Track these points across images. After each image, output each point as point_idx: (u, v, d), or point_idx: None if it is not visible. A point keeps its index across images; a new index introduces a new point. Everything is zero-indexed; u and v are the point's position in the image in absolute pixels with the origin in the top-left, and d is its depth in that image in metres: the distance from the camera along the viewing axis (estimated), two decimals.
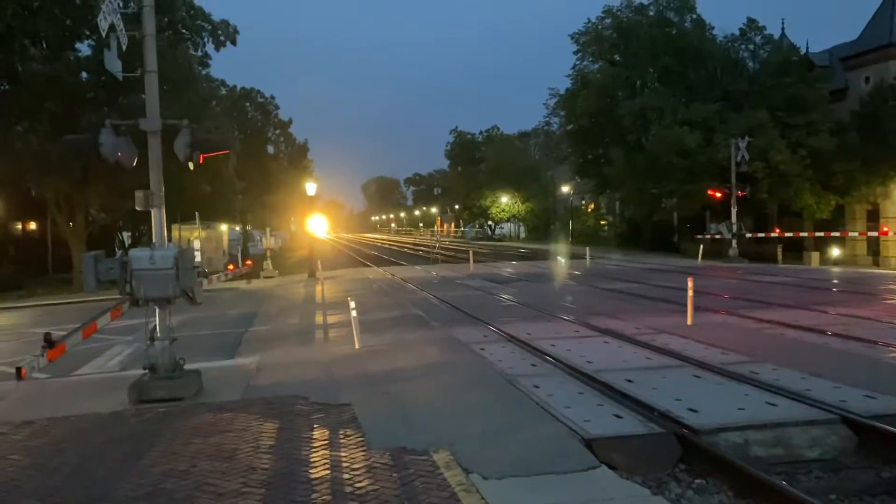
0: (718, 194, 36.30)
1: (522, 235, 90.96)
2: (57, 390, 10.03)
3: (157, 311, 9.03)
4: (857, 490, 5.89)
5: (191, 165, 9.63)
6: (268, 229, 43.71)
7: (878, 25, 41.62)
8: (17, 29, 25.40)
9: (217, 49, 33.04)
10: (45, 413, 8.48)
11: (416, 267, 37.24)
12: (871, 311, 14.85)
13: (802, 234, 37.06)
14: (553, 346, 11.37)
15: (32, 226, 43.10)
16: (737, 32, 46.47)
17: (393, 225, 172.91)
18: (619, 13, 50.84)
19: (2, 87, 29.27)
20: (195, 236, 33.91)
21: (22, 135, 26.97)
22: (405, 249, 68.81)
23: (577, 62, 54.37)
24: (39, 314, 22.53)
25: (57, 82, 26.00)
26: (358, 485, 5.70)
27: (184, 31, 30.93)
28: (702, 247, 36.48)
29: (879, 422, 6.78)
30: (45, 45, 27.48)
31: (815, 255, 36.03)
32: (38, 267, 37.58)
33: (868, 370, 9.14)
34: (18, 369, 9.54)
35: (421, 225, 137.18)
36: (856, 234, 37.83)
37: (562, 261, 37.41)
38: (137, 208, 9.14)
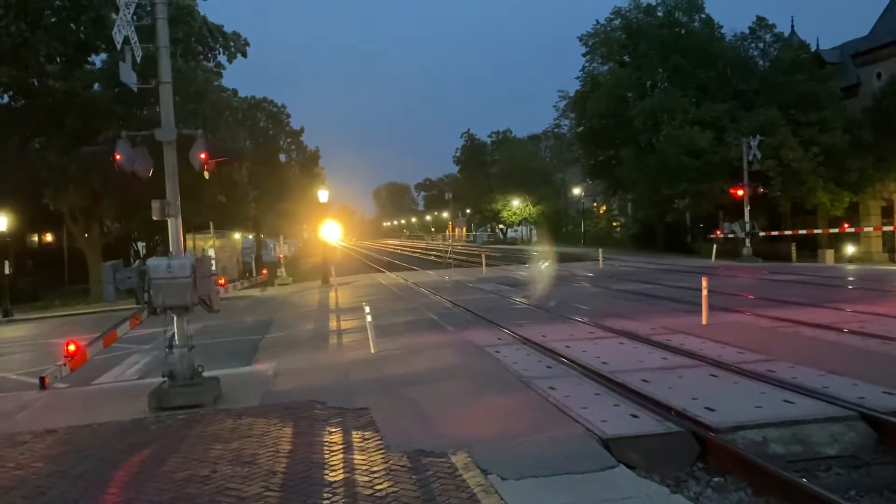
0: (741, 192, 36.01)
1: (535, 238, 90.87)
2: (78, 399, 10.16)
3: (175, 319, 9.13)
4: (877, 486, 5.88)
5: (205, 174, 9.74)
6: (281, 237, 43.96)
7: (890, 20, 41.31)
8: (31, 44, 25.69)
9: (229, 61, 33.33)
10: (68, 421, 8.60)
11: (429, 271, 37.29)
12: (887, 307, 14.75)
13: (816, 232, 36.78)
14: (568, 347, 11.39)
15: (48, 238, 43.57)
16: (745, 31, 46.37)
17: (405, 231, 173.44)
18: (627, 14, 50.80)
19: (18, 103, 29.62)
20: (210, 245, 34.14)
21: (39, 150, 27.28)
22: (417, 254, 68.95)
23: (587, 64, 54.42)
24: (58, 325, 22.77)
25: (74, 97, 26.28)
26: (378, 487, 5.75)
27: (196, 44, 31.20)
28: (715, 246, 36.30)
29: None
30: (59, 60, 27.81)
31: (830, 253, 35.80)
32: (55, 278, 37.98)
33: (886, 367, 9.09)
34: (42, 379, 9.67)
35: (433, 230, 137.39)
36: (870, 229, 37.51)
37: (576, 263, 37.35)
38: (154, 218, 9.25)
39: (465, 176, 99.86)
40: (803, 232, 36.00)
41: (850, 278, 23.60)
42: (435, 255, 59.55)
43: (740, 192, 36.17)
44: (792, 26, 47.57)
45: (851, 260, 35.81)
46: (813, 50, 44.87)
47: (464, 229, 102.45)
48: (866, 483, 5.96)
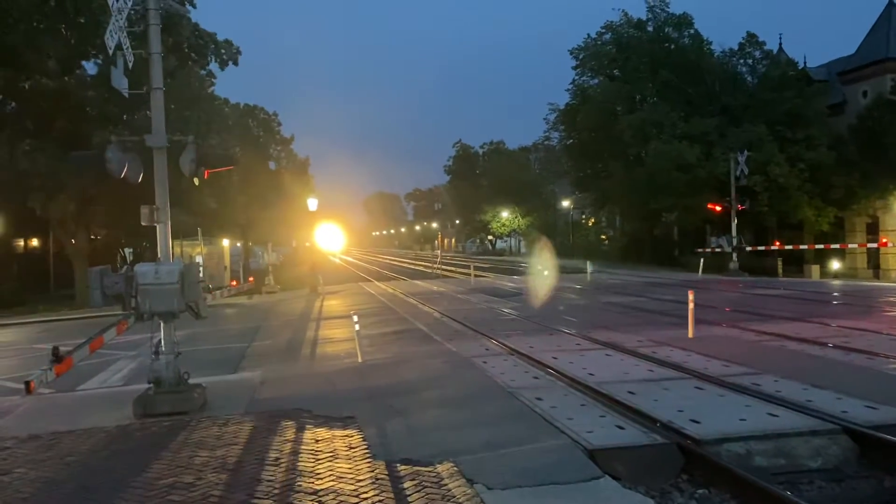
0: (718, 208, 36.45)
1: (523, 250, 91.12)
2: (62, 405, 10.09)
3: (162, 325, 9.08)
4: (859, 499, 5.94)
5: (196, 181, 9.73)
6: (269, 244, 43.79)
7: (875, 40, 41.91)
8: (23, 47, 25.59)
9: (221, 68, 33.37)
10: (51, 427, 8.53)
11: (418, 282, 37.29)
12: (871, 323, 14.91)
13: (802, 247, 37.11)
14: (555, 358, 11.41)
15: (34, 242, 43.20)
16: (734, 47, 46.94)
17: (396, 242, 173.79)
18: (618, 28, 51.23)
19: (9, 107, 29.44)
20: (197, 252, 33.97)
21: (29, 153, 27.09)
22: (405, 265, 68.91)
23: (577, 77, 54.80)
24: (42, 330, 22.58)
25: (66, 99, 26.13)
26: (363, 496, 5.74)
27: (187, 50, 31.17)
28: (702, 260, 36.49)
29: (881, 432, 6.82)
30: (49, 65, 27.71)
31: (816, 268, 36.15)
32: (40, 283, 37.60)
33: (869, 381, 9.18)
34: (27, 383, 9.57)
35: (422, 240, 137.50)
36: (855, 245, 37.91)
37: (564, 275, 37.44)
38: (143, 223, 9.22)
39: (456, 186, 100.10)
40: (789, 247, 36.31)
41: (835, 294, 23.80)
42: (424, 266, 59.57)
43: (718, 209, 36.55)
44: (780, 43, 48.23)
45: (837, 275, 36.12)
46: (800, 67, 45.48)
47: (453, 240, 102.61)
48: (848, 496, 6.01)
